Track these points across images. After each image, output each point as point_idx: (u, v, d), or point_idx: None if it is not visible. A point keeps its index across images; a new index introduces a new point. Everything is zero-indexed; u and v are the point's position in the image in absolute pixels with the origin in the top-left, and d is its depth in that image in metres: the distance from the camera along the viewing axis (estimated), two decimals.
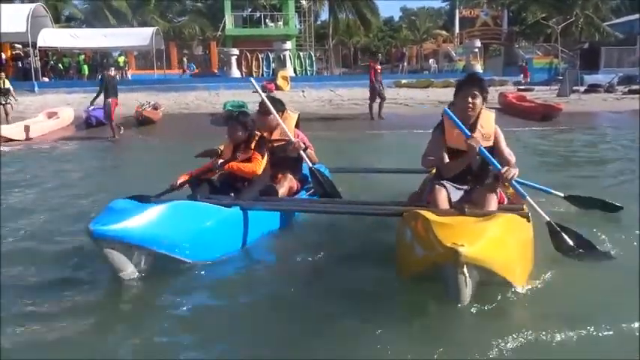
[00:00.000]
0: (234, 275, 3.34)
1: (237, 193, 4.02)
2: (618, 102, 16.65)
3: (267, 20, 29.30)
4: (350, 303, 2.75)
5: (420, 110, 15.37)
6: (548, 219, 3.35)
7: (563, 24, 26.22)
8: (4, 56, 26.40)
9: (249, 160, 4.23)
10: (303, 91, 20.07)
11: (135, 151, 11.46)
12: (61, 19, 33.96)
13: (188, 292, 3.06)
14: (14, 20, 23.53)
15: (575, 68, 21.71)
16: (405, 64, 32.28)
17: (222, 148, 4.41)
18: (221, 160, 4.20)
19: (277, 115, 4.52)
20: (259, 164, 4.20)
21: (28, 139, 12.35)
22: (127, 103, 17.08)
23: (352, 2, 35.47)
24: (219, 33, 30.49)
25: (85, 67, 26.37)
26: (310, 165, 4.51)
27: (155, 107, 15.27)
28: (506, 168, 3.24)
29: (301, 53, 27.66)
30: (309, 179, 4.66)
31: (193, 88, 21.45)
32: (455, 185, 3.46)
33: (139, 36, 26.14)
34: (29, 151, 10.77)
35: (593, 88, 19.18)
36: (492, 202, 3.27)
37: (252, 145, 4.26)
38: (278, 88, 21.06)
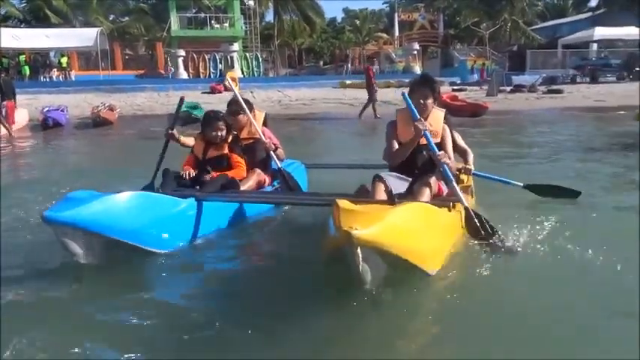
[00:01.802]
0: (182, 264, 3.41)
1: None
2: (538, 101, 18.57)
3: (212, 22, 29.59)
4: (283, 297, 2.80)
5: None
6: (466, 204, 3.40)
7: (491, 29, 28.23)
8: None
9: (222, 158, 4.32)
10: (252, 92, 20.76)
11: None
12: None
13: (137, 280, 3.20)
14: None
15: (502, 70, 23.60)
16: (349, 65, 33.53)
17: (186, 142, 4.48)
18: (209, 176, 4.20)
19: (250, 115, 4.63)
20: (243, 167, 4.37)
21: None
22: (78, 104, 17.24)
23: (296, 4, 36.29)
24: (165, 34, 30.47)
25: (26, 67, 25.81)
26: (279, 165, 4.62)
27: (111, 108, 15.55)
28: (441, 152, 3.43)
29: (248, 54, 28.19)
30: None
31: (142, 89, 21.60)
32: (402, 177, 3.61)
33: (82, 36, 25.89)
34: None
35: (517, 88, 21.09)
36: (425, 193, 3.40)
37: (227, 147, 4.34)
38: (227, 89, 21.63)
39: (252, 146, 4.70)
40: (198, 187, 4.09)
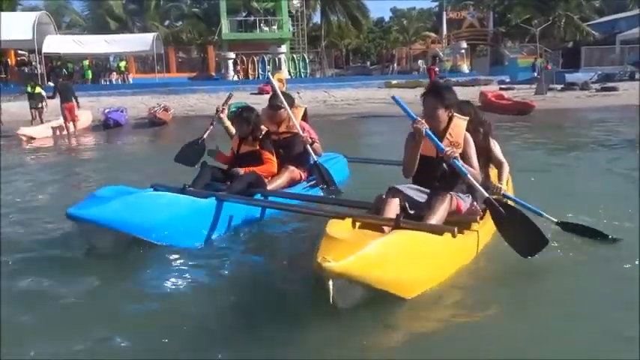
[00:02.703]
0: (196, 261, 3.52)
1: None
2: (590, 99, 18.03)
3: (261, 24, 30.36)
4: (283, 302, 2.88)
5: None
6: (487, 195, 3.37)
7: (542, 25, 27.50)
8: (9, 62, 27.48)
9: (254, 154, 4.55)
10: (298, 93, 21.25)
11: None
12: (62, 26, 34.99)
13: (148, 274, 3.36)
14: (20, 28, 24.56)
15: (552, 67, 22.95)
16: (395, 65, 33.51)
17: (229, 126, 4.84)
18: (241, 171, 4.40)
19: (289, 110, 4.75)
20: (273, 163, 4.55)
21: (49, 138, 13.51)
22: (136, 105, 18.28)
23: (343, 4, 36.61)
24: (216, 37, 31.51)
25: (89, 71, 27.40)
26: (315, 158, 4.68)
27: (166, 109, 16.49)
28: (448, 148, 3.30)
29: (295, 56, 28.75)
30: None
31: (194, 91, 22.51)
32: (421, 189, 3.48)
33: (139, 41, 27.27)
34: (50, 148, 11.88)
35: (569, 86, 20.52)
36: (439, 211, 3.25)
37: (259, 143, 4.57)
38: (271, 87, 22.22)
39: (290, 140, 4.84)
40: (229, 181, 4.34)
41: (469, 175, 3.31)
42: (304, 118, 5.03)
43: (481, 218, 3.56)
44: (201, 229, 3.79)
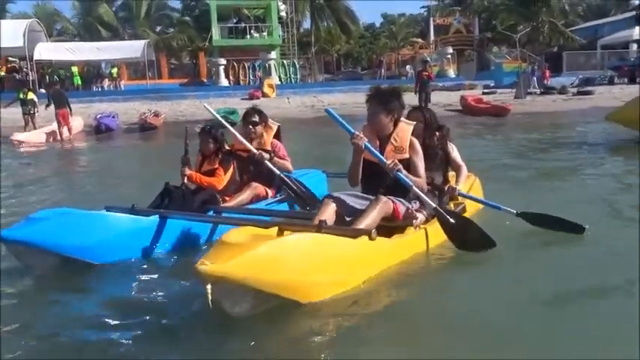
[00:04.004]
0: (132, 277, 3.41)
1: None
2: (565, 102, 18.69)
3: (252, 31, 30.79)
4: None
5: None
6: (435, 205, 3.40)
7: (524, 31, 28.14)
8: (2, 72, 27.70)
9: (213, 172, 4.43)
10: (288, 98, 21.69)
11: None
12: (54, 33, 35.26)
13: (83, 292, 3.26)
14: (12, 35, 24.87)
15: (529, 72, 23.53)
16: (383, 70, 34.05)
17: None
18: (188, 172, 4.35)
19: (234, 130, 4.66)
20: (221, 180, 4.40)
21: (43, 143, 13.87)
22: (127, 111, 18.64)
23: (332, 11, 37.17)
24: (207, 44, 31.89)
25: (78, 78, 27.65)
26: (277, 172, 4.49)
27: (156, 114, 16.87)
28: (390, 161, 3.27)
29: (285, 62, 29.16)
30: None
31: (185, 96, 22.84)
32: (364, 195, 3.42)
33: (131, 48, 27.60)
34: (41, 152, 12.24)
35: (547, 90, 21.14)
36: (370, 215, 3.16)
37: (218, 160, 4.46)
38: (264, 95, 22.65)
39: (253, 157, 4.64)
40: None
41: (414, 187, 3.29)
42: (277, 135, 4.88)
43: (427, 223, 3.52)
44: (141, 246, 3.71)
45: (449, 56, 29.35)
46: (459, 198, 4.06)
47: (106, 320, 2.79)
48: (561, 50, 31.71)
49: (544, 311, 2.66)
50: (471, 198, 4.11)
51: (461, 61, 33.63)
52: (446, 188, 3.95)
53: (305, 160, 6.27)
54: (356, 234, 2.94)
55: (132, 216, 3.77)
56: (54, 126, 14.58)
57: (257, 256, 2.41)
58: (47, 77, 27.33)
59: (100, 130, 15.44)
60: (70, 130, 14.62)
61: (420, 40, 39.93)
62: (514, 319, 2.59)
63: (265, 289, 2.41)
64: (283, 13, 30.85)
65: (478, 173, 4.81)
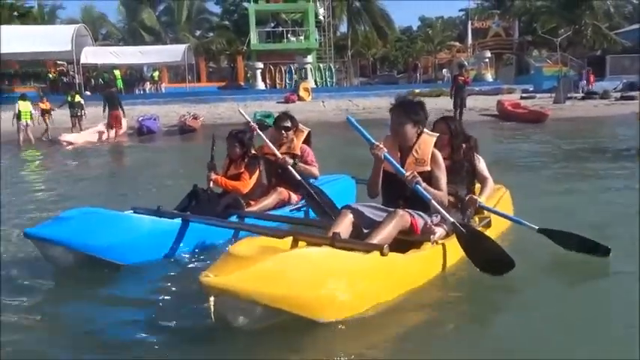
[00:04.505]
0: (150, 278, 3.50)
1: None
2: (608, 107, 18.12)
3: (289, 35, 31.19)
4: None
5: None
6: (452, 220, 3.30)
7: (565, 35, 27.46)
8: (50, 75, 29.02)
9: (239, 176, 4.47)
10: (323, 102, 21.88)
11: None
12: (99, 37, 36.66)
13: (105, 290, 3.40)
14: (60, 40, 25.98)
15: (571, 77, 22.89)
16: (418, 74, 33.87)
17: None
18: (213, 176, 4.43)
19: (263, 135, 4.73)
20: (246, 183, 4.43)
21: (90, 143, 14.61)
22: (167, 114, 19.24)
23: (369, 15, 37.22)
24: (245, 47, 32.50)
25: (120, 81, 28.65)
26: (299, 178, 4.48)
27: (195, 117, 17.39)
28: (409, 173, 3.21)
29: (321, 65, 29.44)
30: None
31: (223, 99, 23.32)
32: (383, 207, 3.38)
33: (172, 52, 28.45)
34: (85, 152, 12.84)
35: (589, 95, 20.56)
36: (385, 228, 3.10)
37: (244, 164, 4.50)
38: (300, 98, 22.92)
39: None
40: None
41: (433, 201, 3.22)
42: (307, 141, 4.90)
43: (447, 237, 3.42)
44: (163, 248, 3.79)
45: (486, 60, 28.94)
46: (481, 211, 3.96)
47: (122, 319, 2.89)
48: (605, 54, 30.76)
49: (566, 339, 2.56)
50: (491, 210, 3.92)
51: (499, 65, 33.14)
52: (466, 198, 3.77)
53: (336, 164, 6.36)
54: (368, 249, 2.87)
55: (156, 218, 3.87)
56: (100, 127, 15.27)
57: (262, 269, 2.37)
58: (92, 80, 28.46)
59: (142, 132, 16.09)
60: (117, 132, 15.27)
61: (457, 43, 39.56)
62: (529, 346, 2.49)
63: (269, 303, 2.34)
64: (322, 17, 31.12)
65: (508, 184, 4.70)
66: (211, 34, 39.42)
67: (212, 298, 2.24)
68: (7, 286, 3.38)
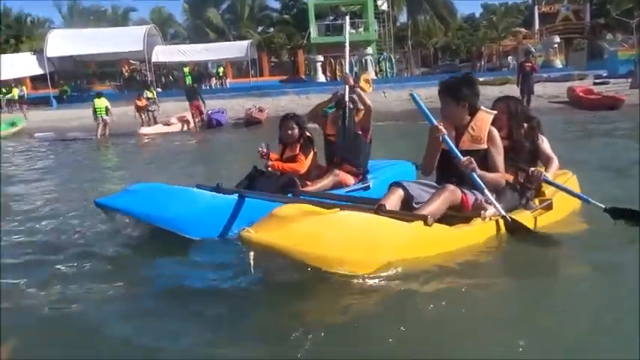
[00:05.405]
0: (209, 251, 3.66)
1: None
2: None
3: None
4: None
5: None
6: (504, 213, 3.24)
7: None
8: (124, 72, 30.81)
9: (294, 158, 4.53)
10: (384, 93, 21.87)
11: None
12: (167, 37, 38.39)
13: (166, 259, 3.62)
14: (133, 40, 27.52)
15: None
16: (483, 62, 32.96)
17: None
18: (270, 163, 4.53)
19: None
20: (302, 164, 4.51)
21: (165, 134, 15.87)
22: (233, 107, 20.00)
23: (430, 3, 36.61)
24: (305, 41, 32.94)
25: (189, 77, 29.88)
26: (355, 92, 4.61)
27: (260, 110, 18.03)
28: (466, 158, 3.18)
29: (381, 56, 29.38)
30: (369, 175, 4.78)
31: (284, 93, 23.85)
32: (432, 184, 3.39)
33: (236, 48, 29.40)
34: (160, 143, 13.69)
35: None
36: (434, 202, 3.09)
37: (299, 145, 4.55)
38: (361, 90, 23.02)
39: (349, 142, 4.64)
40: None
41: (485, 190, 3.20)
42: (366, 119, 4.84)
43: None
44: (220, 222, 3.95)
45: (555, 46, 27.72)
46: (553, 192, 3.83)
47: (178, 287, 3.03)
48: None
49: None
50: (555, 185, 3.76)
51: (569, 50, 31.58)
52: (530, 171, 3.62)
53: (398, 153, 6.33)
54: (412, 218, 2.88)
55: (215, 193, 4.08)
56: (172, 120, 16.33)
57: (301, 228, 2.43)
58: (162, 78, 29.91)
59: (211, 124, 16.96)
60: (201, 118, 16.68)
61: (523, 29, 38.02)
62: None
63: (306, 261, 2.38)
64: (384, 7, 30.98)
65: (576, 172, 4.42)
66: (272, 29, 40.21)
67: (252, 253, 2.35)
68: (78, 253, 3.74)
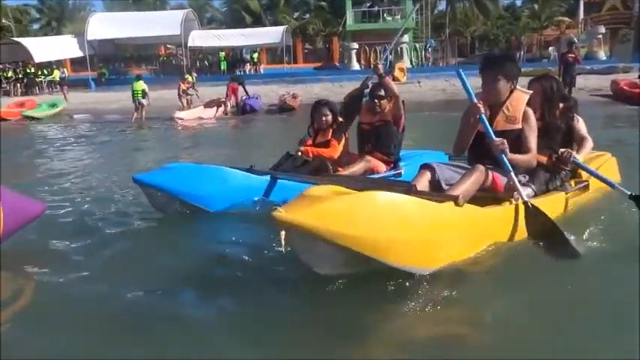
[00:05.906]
0: (240, 229, 3.80)
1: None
2: None
3: (385, 14, 30.84)
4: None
5: None
6: (526, 199, 3.16)
7: None
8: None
9: (327, 143, 4.60)
10: (419, 82, 21.55)
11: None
12: (204, 22, 38.69)
13: (196, 234, 3.86)
14: (170, 24, 27.83)
15: None
16: (522, 52, 32.02)
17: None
18: (302, 148, 4.63)
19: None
20: (335, 149, 4.57)
21: (201, 119, 16.16)
22: (267, 94, 20.06)
23: None
24: (340, 28, 32.68)
25: (224, 62, 30.06)
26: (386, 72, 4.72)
27: (294, 96, 18.06)
28: (498, 139, 3.14)
29: (417, 45, 28.89)
30: (400, 163, 4.82)
31: (318, 80, 23.78)
32: (462, 165, 3.39)
33: (271, 34, 29.42)
34: (196, 127, 13.88)
35: None
36: (464, 183, 3.08)
37: (331, 131, 4.61)
38: (395, 79, 22.71)
39: (381, 129, 4.70)
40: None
41: (512, 174, 3.15)
42: (395, 107, 4.82)
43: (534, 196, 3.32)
44: (252, 200, 4.02)
45: (600, 36, 26.69)
46: (578, 174, 3.84)
47: (206, 261, 3.28)
48: None
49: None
50: (582, 167, 3.71)
51: (614, 41, 30.32)
52: (560, 152, 3.57)
53: (432, 143, 6.26)
54: (443, 199, 2.86)
55: (247, 173, 4.23)
56: (206, 104, 16.73)
57: (332, 207, 2.40)
58: (197, 62, 30.19)
59: (245, 110, 17.06)
60: (236, 101, 17.22)
61: (566, 19, 36.70)
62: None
63: (335, 240, 2.34)
64: None
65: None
66: (308, 15, 40.01)
67: (283, 232, 2.33)
68: (117, 225, 4.08)
